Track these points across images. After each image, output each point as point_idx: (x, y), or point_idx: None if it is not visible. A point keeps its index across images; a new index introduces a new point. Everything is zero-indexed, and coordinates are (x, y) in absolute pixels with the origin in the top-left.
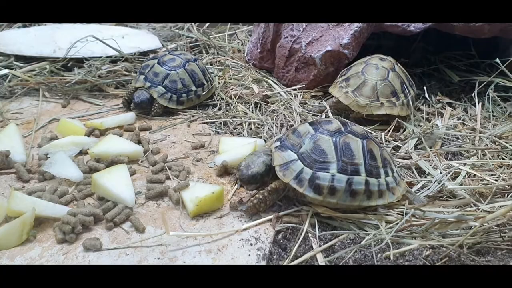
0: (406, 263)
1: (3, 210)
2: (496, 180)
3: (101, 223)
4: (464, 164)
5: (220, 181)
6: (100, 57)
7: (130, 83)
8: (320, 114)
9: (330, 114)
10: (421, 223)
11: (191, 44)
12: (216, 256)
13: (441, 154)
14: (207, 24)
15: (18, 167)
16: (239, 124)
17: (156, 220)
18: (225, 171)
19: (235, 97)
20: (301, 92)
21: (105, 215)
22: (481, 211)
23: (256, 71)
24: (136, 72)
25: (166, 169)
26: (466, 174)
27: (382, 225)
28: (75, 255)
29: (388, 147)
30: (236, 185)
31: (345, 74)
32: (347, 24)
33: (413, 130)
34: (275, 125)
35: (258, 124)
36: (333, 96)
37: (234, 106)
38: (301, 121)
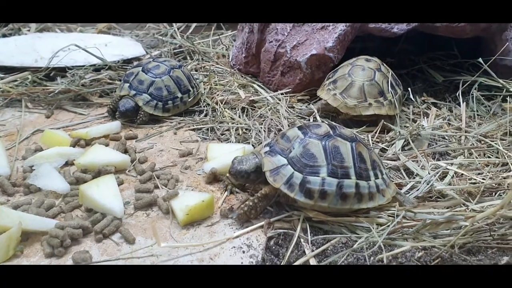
0: (398, 265)
1: None
2: (483, 179)
3: (90, 236)
4: (452, 164)
5: (209, 189)
6: (83, 65)
7: (115, 92)
8: (308, 118)
9: (318, 117)
10: (412, 225)
11: (175, 51)
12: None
13: (429, 154)
14: (191, 30)
15: (2, 181)
16: (226, 130)
17: (146, 231)
18: (214, 178)
19: (222, 103)
20: (287, 96)
21: (94, 227)
22: (470, 211)
23: (242, 76)
24: (120, 80)
25: (154, 178)
26: (454, 173)
27: (373, 228)
28: None
29: (376, 149)
30: (226, 192)
31: (332, 77)
32: (331, 27)
33: (399, 132)
34: (263, 130)
35: (246, 129)
36: (321, 99)
37: (220, 112)
38: (288, 125)
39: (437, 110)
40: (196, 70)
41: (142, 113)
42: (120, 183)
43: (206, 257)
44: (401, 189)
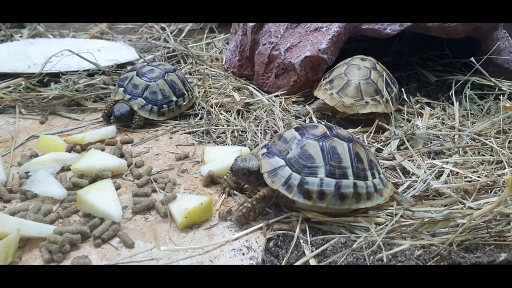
0: (399, 264)
1: None
2: (479, 177)
3: (88, 241)
4: (447, 163)
5: (207, 192)
6: (77, 71)
7: (109, 96)
8: (304, 118)
9: (313, 118)
10: (410, 223)
11: (168, 55)
12: None
13: (424, 153)
14: (184, 34)
15: None
16: (222, 133)
17: (145, 235)
18: (211, 181)
19: (217, 106)
20: (282, 98)
21: (92, 232)
22: (467, 209)
23: (236, 79)
24: (114, 85)
25: (151, 181)
26: (450, 172)
27: (372, 227)
28: None
29: (372, 148)
30: (224, 195)
31: (328, 77)
32: (324, 29)
33: (394, 132)
34: (259, 132)
35: (242, 131)
36: (318, 99)
37: (216, 115)
38: (284, 127)
39: (430, 110)
40: (190, 74)
41: (138, 117)
42: (117, 188)
43: (206, 260)
44: (398, 188)
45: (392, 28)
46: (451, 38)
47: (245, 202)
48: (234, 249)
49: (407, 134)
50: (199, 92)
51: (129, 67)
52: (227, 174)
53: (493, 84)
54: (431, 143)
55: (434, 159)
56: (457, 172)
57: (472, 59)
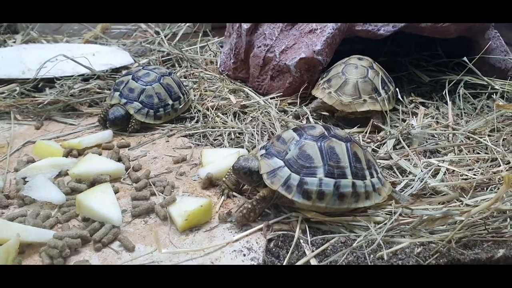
0: (400, 262)
1: None
2: (474, 175)
3: (88, 245)
4: (443, 161)
5: (206, 194)
6: (72, 76)
7: (105, 101)
8: (300, 119)
9: (311, 119)
10: (409, 222)
11: (163, 58)
12: None
13: (420, 152)
14: (178, 37)
15: None
16: (219, 135)
17: (145, 238)
18: (210, 183)
19: (213, 109)
20: (278, 100)
21: (92, 236)
22: (464, 206)
23: (231, 82)
24: (109, 89)
25: (150, 185)
26: (446, 170)
27: (371, 226)
28: None
29: (369, 148)
30: (223, 197)
31: (326, 76)
32: (319, 30)
33: (389, 132)
34: (256, 133)
35: (239, 133)
36: (316, 99)
37: (212, 118)
38: (281, 128)
39: (425, 109)
40: (185, 77)
41: (134, 121)
42: (115, 192)
43: (207, 262)
44: (395, 187)
45: (385, 29)
46: (443, 39)
47: (245, 203)
48: (235, 251)
49: (402, 133)
50: (194, 95)
51: (124, 72)
52: (226, 176)
53: (485, 83)
54: (427, 142)
55: (430, 158)
56: (453, 170)
57: (465, 58)
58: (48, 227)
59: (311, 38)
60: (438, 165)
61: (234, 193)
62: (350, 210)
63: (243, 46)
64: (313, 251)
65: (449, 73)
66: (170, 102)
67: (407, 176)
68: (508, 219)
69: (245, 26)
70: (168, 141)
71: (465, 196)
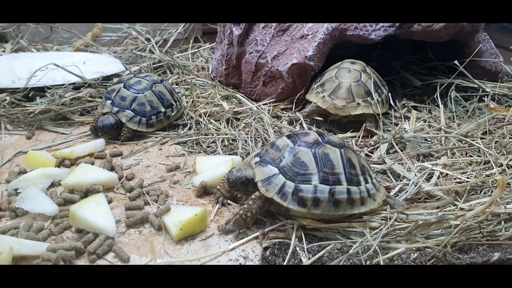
0: (398, 265)
1: None
2: (468, 178)
3: (83, 257)
4: (436, 165)
5: (200, 202)
6: (63, 84)
7: (96, 109)
8: (294, 124)
9: (304, 125)
10: (404, 227)
11: (154, 65)
12: None
13: (413, 156)
14: (169, 44)
15: None
16: (212, 142)
17: (140, 248)
18: (204, 191)
19: (205, 115)
20: (270, 106)
21: (86, 247)
22: (459, 210)
23: (223, 88)
24: (101, 98)
25: (143, 194)
26: (440, 174)
27: (367, 232)
28: None
29: (362, 153)
30: (218, 205)
31: (319, 80)
32: (310, 36)
33: (382, 136)
34: (250, 140)
35: (232, 140)
36: (310, 103)
37: (205, 125)
38: (274, 134)
39: (417, 113)
40: (177, 84)
41: (126, 129)
42: (109, 202)
43: None
44: (389, 192)
45: (376, 33)
46: (434, 42)
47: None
48: (231, 259)
49: (395, 138)
50: (187, 102)
51: (115, 79)
52: (220, 184)
53: (476, 86)
54: (420, 146)
55: (423, 161)
56: (447, 174)
57: (456, 62)
58: (41, 239)
59: (302, 44)
60: (432, 169)
61: (229, 201)
62: (346, 217)
63: (234, 52)
64: (309, 259)
65: (440, 77)
66: (163, 109)
67: (401, 180)
68: (503, 222)
69: (236, 32)
70: (161, 149)
71: (459, 200)
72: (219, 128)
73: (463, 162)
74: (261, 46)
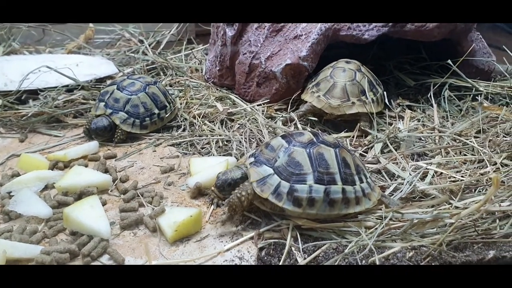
0: (395, 264)
1: None
2: (462, 177)
3: (77, 259)
4: (431, 164)
5: (195, 204)
6: (56, 87)
7: (90, 112)
8: (288, 125)
9: (298, 125)
10: (399, 226)
11: (148, 67)
12: None
13: (407, 155)
14: (162, 46)
15: None
16: (206, 143)
17: (135, 250)
18: (199, 192)
19: (199, 117)
20: (265, 106)
21: (81, 250)
22: (454, 208)
23: (217, 89)
24: (94, 100)
25: (138, 196)
26: (434, 173)
27: (362, 231)
28: None
29: (356, 152)
30: (213, 206)
31: (314, 80)
32: (304, 36)
33: (376, 136)
34: (244, 140)
35: (226, 141)
36: (306, 103)
37: (199, 126)
38: (269, 134)
39: (411, 112)
40: (170, 86)
41: (120, 131)
42: (103, 204)
43: None
44: (384, 191)
45: (370, 33)
46: (427, 42)
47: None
48: (226, 260)
49: (389, 137)
50: (180, 104)
51: (108, 81)
52: (214, 186)
53: (470, 85)
54: (414, 145)
55: (418, 160)
56: (441, 173)
57: (449, 61)
58: (35, 242)
59: (296, 44)
60: (426, 168)
61: (224, 202)
62: (341, 216)
63: (228, 53)
64: (305, 259)
65: (433, 76)
66: (156, 111)
67: (395, 179)
68: (497, 220)
69: (230, 33)
70: (155, 151)
71: (454, 199)
72: (213, 129)
73: (457, 161)
74: (254, 46)
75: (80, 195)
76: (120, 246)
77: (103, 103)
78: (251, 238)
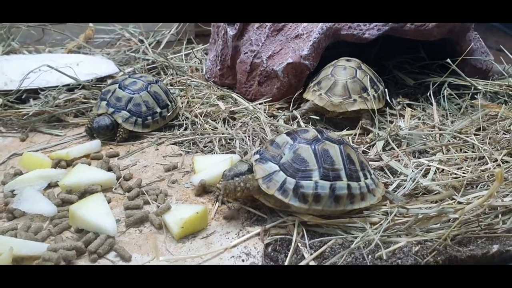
0: (399, 261)
1: None
2: (464, 173)
3: (83, 256)
4: (432, 161)
5: (200, 201)
6: (56, 86)
7: (91, 111)
8: (290, 123)
9: (301, 123)
10: (404, 221)
11: (148, 67)
12: None
13: (409, 153)
14: (162, 46)
15: None
16: (209, 142)
17: (141, 247)
18: (203, 190)
19: (201, 116)
20: (266, 105)
21: (87, 247)
22: (457, 204)
23: (218, 88)
24: (95, 99)
25: (143, 193)
26: (436, 169)
27: (368, 227)
28: None
29: (360, 150)
30: (218, 203)
31: (316, 79)
32: (305, 36)
33: (377, 133)
34: (247, 138)
35: (229, 139)
36: (308, 101)
37: (201, 125)
38: (271, 132)
39: (411, 111)
40: (171, 85)
41: (122, 130)
42: (107, 202)
43: None
44: (387, 188)
45: (370, 33)
46: (426, 42)
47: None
48: (233, 256)
49: (391, 135)
50: (182, 103)
51: (109, 81)
52: (220, 182)
53: (468, 84)
54: (415, 142)
55: (419, 158)
56: (443, 170)
57: (449, 60)
58: (40, 240)
59: (297, 43)
60: (428, 165)
61: (229, 199)
62: (346, 212)
63: (229, 52)
64: (311, 254)
65: (432, 75)
66: (158, 110)
67: (398, 176)
68: (500, 215)
69: (231, 32)
70: (157, 150)
71: (456, 195)
72: (216, 128)
73: (458, 158)
74: (256, 46)
75: (84, 193)
76: (126, 243)
77: (105, 102)
78: (257, 234)
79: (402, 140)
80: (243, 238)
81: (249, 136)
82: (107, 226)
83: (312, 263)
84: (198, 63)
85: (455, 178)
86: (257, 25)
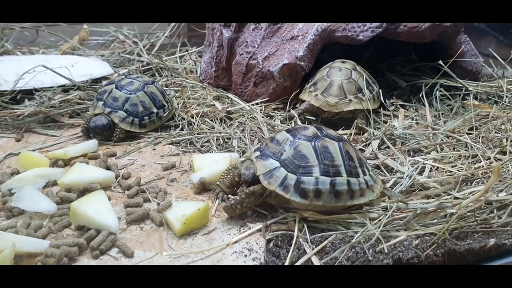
0: (400, 254)
1: None
2: (459, 170)
3: (85, 253)
4: (427, 159)
5: (199, 199)
6: (51, 87)
7: (87, 111)
8: (287, 123)
9: (298, 122)
10: (403, 216)
11: (143, 68)
12: None
13: (404, 151)
14: (156, 47)
15: None
16: (206, 142)
17: (143, 244)
18: (203, 188)
19: (197, 116)
20: (262, 106)
21: (89, 243)
22: (453, 199)
23: (213, 90)
24: (90, 100)
25: (143, 191)
26: (432, 167)
27: (368, 222)
28: None
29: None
30: (218, 200)
31: (312, 80)
32: (301, 37)
33: (372, 133)
34: (245, 137)
35: (227, 138)
36: (304, 102)
37: (198, 125)
38: (268, 132)
39: (404, 111)
40: (166, 86)
41: (119, 130)
42: None
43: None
44: (384, 185)
45: (364, 34)
46: (417, 44)
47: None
48: (235, 252)
49: (386, 134)
50: (177, 104)
51: (104, 82)
52: (220, 179)
53: (460, 85)
54: (409, 142)
55: (414, 156)
56: (437, 167)
57: (441, 62)
58: (41, 237)
59: (293, 45)
60: (424, 163)
61: (230, 196)
62: (346, 208)
63: (224, 54)
64: (313, 249)
65: (424, 77)
66: (155, 110)
67: (394, 174)
68: (495, 210)
69: (227, 34)
70: (154, 149)
71: (453, 189)
72: (213, 127)
73: (452, 156)
74: (251, 47)
75: (83, 191)
76: (128, 240)
77: (102, 102)
78: (259, 230)
79: (397, 139)
80: (245, 234)
81: (246, 135)
82: (109, 223)
83: (314, 257)
84: (193, 65)
85: (450, 175)
86: (252, 26)
